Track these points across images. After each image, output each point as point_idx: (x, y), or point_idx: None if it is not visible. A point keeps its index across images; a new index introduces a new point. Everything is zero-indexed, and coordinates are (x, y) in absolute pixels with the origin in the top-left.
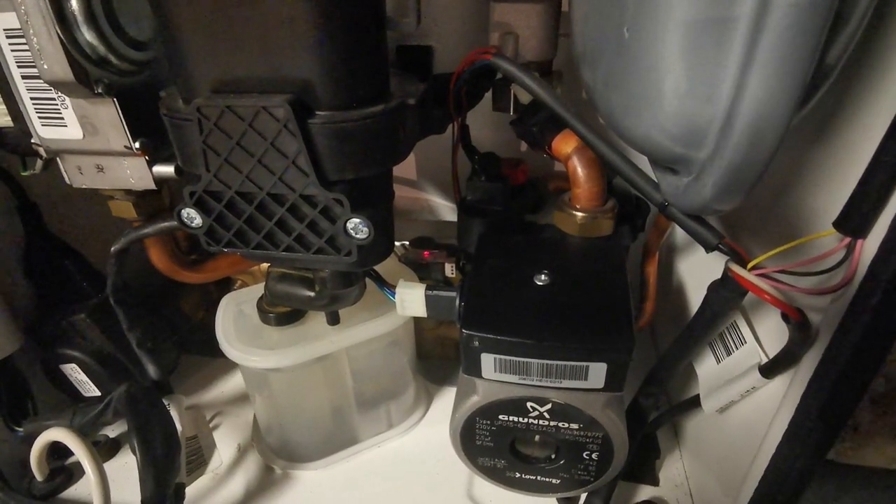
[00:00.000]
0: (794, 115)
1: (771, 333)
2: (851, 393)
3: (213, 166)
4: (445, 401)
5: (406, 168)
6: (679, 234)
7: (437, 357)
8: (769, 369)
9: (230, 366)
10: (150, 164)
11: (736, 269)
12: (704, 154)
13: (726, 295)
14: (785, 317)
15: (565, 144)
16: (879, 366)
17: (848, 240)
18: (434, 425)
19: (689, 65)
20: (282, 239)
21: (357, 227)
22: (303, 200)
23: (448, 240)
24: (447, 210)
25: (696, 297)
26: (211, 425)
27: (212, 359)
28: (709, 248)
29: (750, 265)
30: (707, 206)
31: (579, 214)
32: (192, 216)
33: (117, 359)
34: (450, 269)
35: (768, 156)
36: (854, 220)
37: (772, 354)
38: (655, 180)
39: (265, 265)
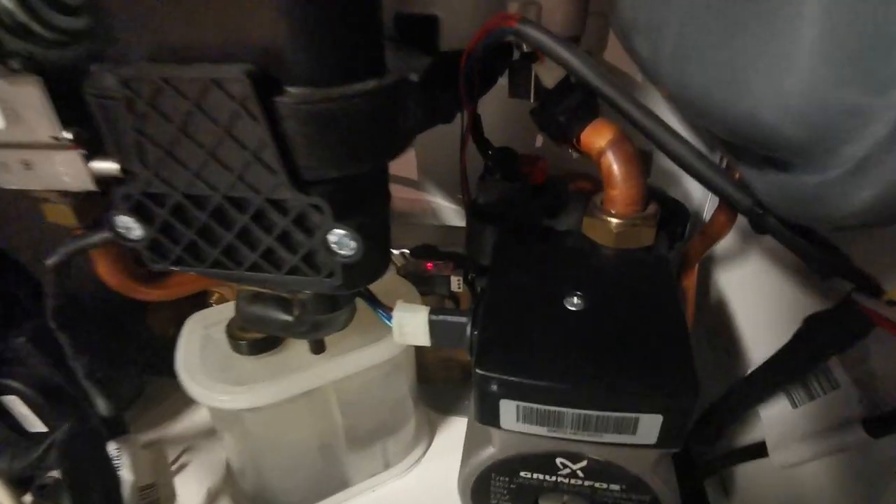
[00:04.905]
0: None
1: None
2: None
3: (152, 161)
4: (450, 431)
5: (405, 165)
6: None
7: (440, 381)
8: (879, 426)
9: None
10: (87, 158)
11: (865, 300)
12: (864, 147)
13: (840, 331)
14: None
15: (598, 136)
16: None
17: None
18: (438, 462)
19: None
20: (245, 255)
21: (341, 242)
22: (270, 206)
23: (454, 247)
24: (453, 213)
25: (742, 319)
26: (178, 464)
27: None
28: (825, 273)
29: (888, 296)
30: (850, 216)
31: (615, 221)
32: (130, 226)
33: (65, 390)
34: (456, 283)
35: None
36: None
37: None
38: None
39: None
